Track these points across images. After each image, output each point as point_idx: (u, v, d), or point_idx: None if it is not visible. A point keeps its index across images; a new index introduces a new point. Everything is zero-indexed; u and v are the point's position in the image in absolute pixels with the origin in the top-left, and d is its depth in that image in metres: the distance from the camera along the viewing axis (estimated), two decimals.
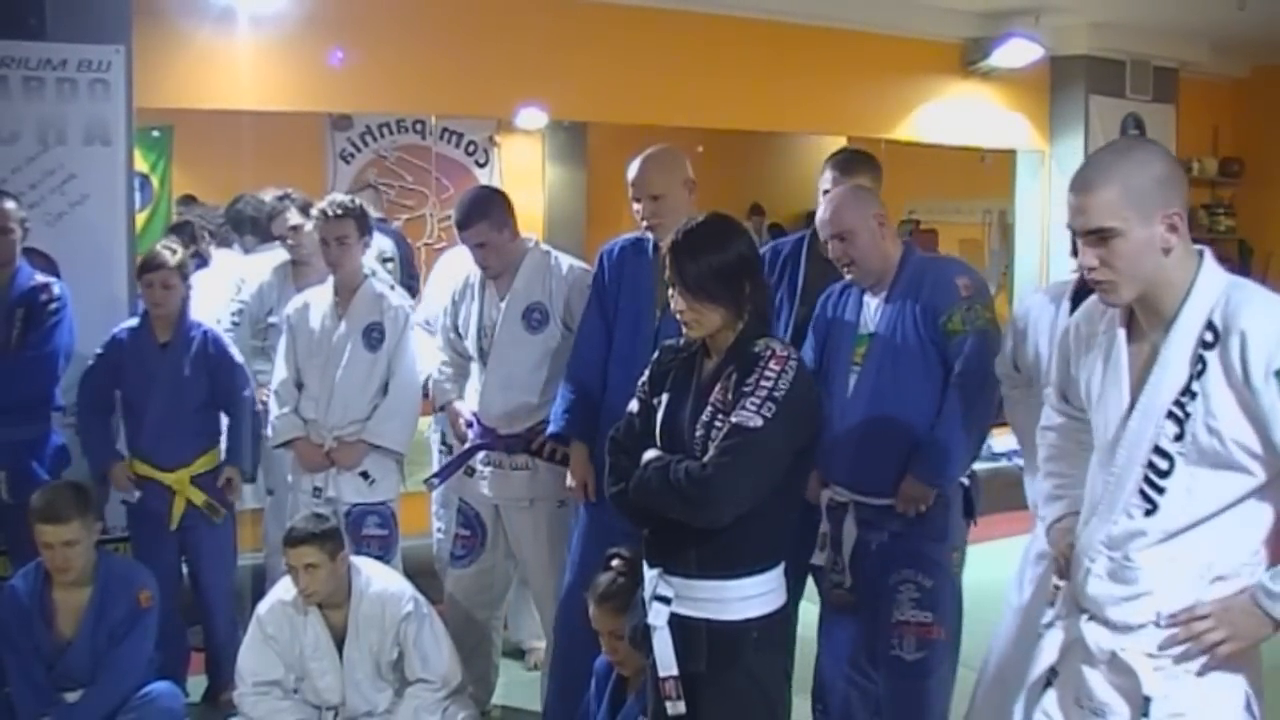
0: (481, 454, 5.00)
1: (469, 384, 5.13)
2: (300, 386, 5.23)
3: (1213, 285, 2.60)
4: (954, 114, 8.52)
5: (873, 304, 4.22)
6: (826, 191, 4.52)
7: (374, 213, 8.69)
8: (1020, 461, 4.31)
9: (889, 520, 4.11)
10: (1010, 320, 4.03)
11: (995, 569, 4.54)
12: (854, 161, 4.73)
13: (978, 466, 4.40)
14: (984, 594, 4.40)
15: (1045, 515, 3.07)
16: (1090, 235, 2.60)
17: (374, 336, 5.16)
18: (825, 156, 4.89)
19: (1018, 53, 8.14)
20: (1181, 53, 9.23)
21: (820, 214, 4.25)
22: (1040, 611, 3.13)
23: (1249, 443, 2.53)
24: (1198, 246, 2.67)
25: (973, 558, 4.36)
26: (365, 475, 5.16)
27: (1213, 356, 2.54)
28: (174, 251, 5.18)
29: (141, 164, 7.53)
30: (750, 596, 3.21)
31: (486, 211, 4.85)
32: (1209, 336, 2.55)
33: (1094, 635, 2.74)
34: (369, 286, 5.26)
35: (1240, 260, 10.28)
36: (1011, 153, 8.91)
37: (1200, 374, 2.55)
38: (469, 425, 5.04)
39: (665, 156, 4.59)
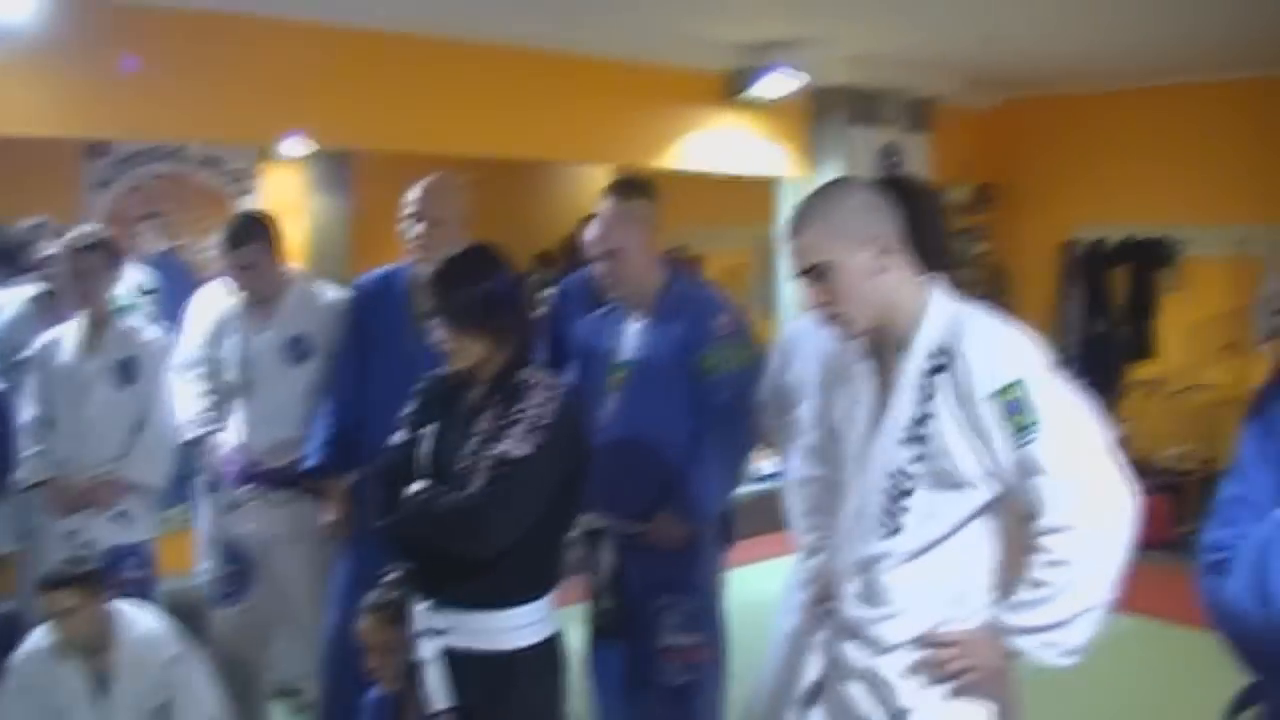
0: (246, 489, 4.88)
1: (231, 418, 5.01)
2: (51, 424, 5.03)
3: (942, 312, 2.72)
4: (719, 143, 8.65)
5: (632, 330, 4.26)
6: None
7: (158, 245, 8.49)
8: (783, 481, 4.39)
9: (647, 546, 4.14)
10: (776, 345, 4.11)
11: (760, 589, 4.62)
12: (629, 187, 4.77)
13: (741, 489, 4.47)
14: (750, 615, 4.47)
15: (810, 567, 3.10)
16: (808, 274, 2.70)
17: (127, 372, 5.00)
18: (589, 185, 4.93)
19: (780, 83, 8.29)
20: (937, 84, 9.54)
21: (589, 232, 4.28)
22: (809, 635, 3.18)
23: (976, 462, 2.64)
24: (928, 275, 2.78)
25: (738, 579, 4.43)
26: (123, 514, 4.99)
27: (941, 381, 2.65)
28: None
29: None
30: (522, 626, 3.21)
31: (258, 233, 4.76)
32: (937, 361, 2.66)
33: (854, 654, 2.81)
34: (121, 320, 5.09)
35: (996, 283, 10.68)
36: (775, 180, 9.08)
37: (931, 398, 2.65)
38: (232, 460, 4.92)
39: (449, 185, 4.56)
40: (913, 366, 2.70)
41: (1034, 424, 2.57)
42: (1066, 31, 7.96)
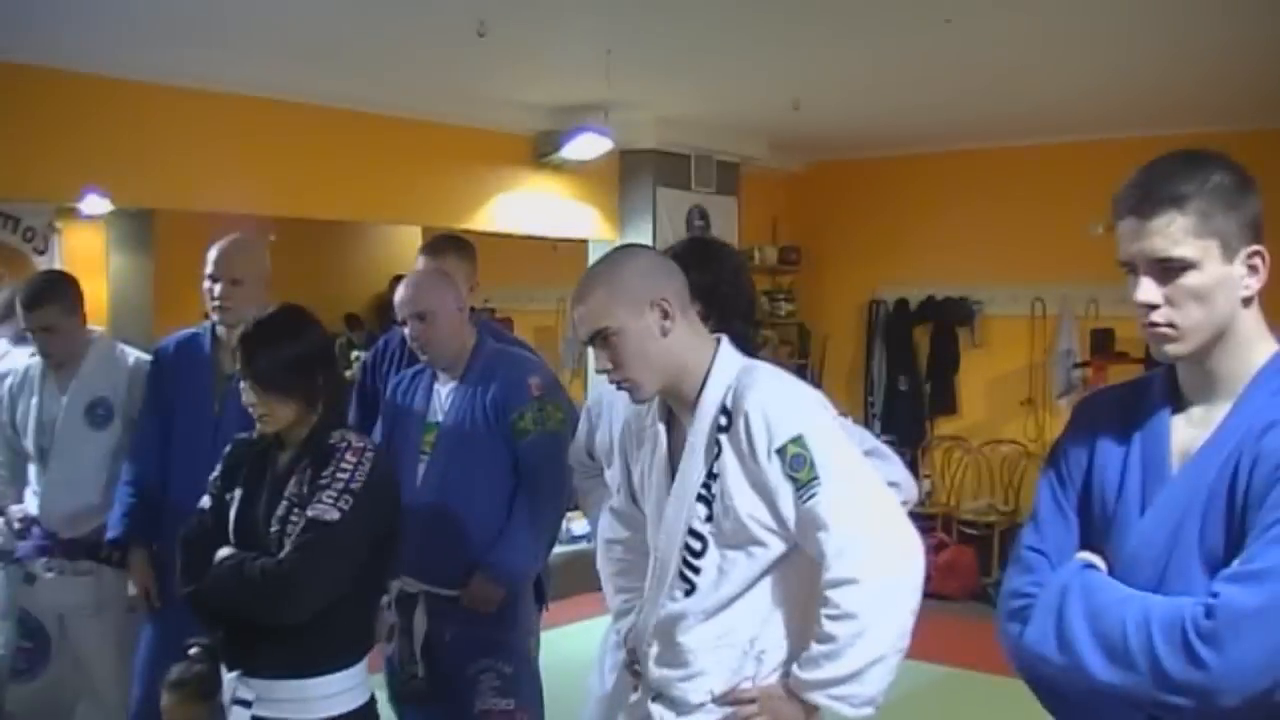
0: (43, 559, 4.71)
1: (27, 486, 4.84)
2: None
3: (728, 371, 2.74)
4: (528, 205, 8.68)
5: (443, 391, 4.24)
6: None
7: None
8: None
9: (460, 610, 4.11)
10: (584, 407, 4.12)
11: (576, 650, 4.61)
12: (442, 245, 4.76)
13: (556, 550, 4.46)
14: (566, 676, 4.45)
15: (620, 628, 3.10)
16: (594, 340, 2.71)
17: None
18: (399, 245, 4.91)
19: (588, 146, 8.35)
20: (743, 148, 9.71)
21: (400, 294, 4.24)
22: (622, 697, 3.18)
23: (763, 518, 2.65)
24: (715, 335, 2.82)
25: (553, 640, 4.41)
26: None
27: (726, 439, 2.67)
28: None
29: None
30: (333, 694, 3.15)
31: (58, 294, 4.63)
32: (723, 420, 2.68)
33: (660, 715, 2.81)
34: None
35: (800, 343, 10.88)
36: (584, 242, 9.12)
37: (718, 456, 2.68)
38: (27, 529, 4.75)
39: (250, 244, 4.50)
40: (701, 426, 2.72)
41: (816, 479, 2.59)
42: (871, 97, 8.20)
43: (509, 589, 4.15)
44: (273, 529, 3.09)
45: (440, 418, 4.22)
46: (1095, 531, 2.22)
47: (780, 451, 2.61)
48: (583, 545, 7.39)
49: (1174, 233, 2.02)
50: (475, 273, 4.82)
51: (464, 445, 4.17)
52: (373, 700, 3.27)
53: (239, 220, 6.99)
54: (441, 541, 4.10)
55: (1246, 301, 2.08)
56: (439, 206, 8.19)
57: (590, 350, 2.77)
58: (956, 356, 10.34)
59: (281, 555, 3.03)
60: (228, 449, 3.38)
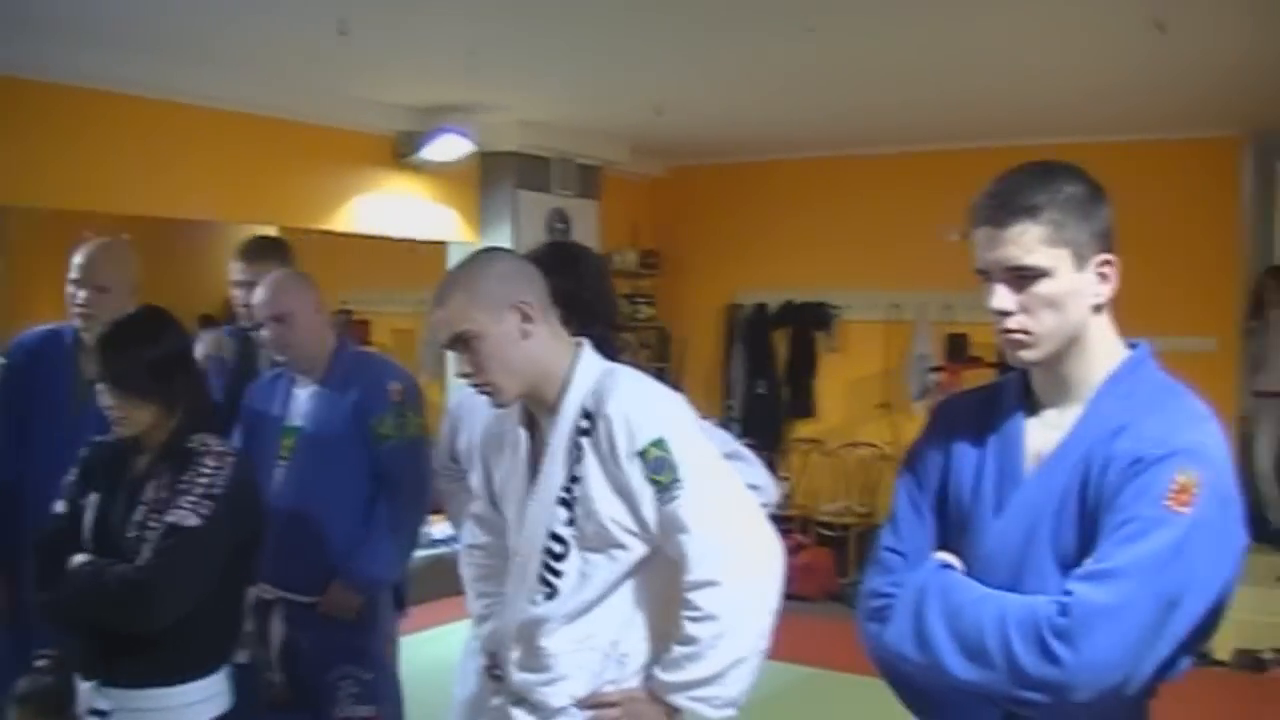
0: None
1: None
2: None
3: (589, 374, 2.75)
4: (387, 206, 8.60)
5: (302, 395, 4.20)
6: (238, 282, 4.49)
7: None
8: (459, 546, 4.39)
9: (319, 617, 4.08)
10: (446, 411, 4.11)
11: (436, 656, 4.59)
12: (261, 250, 4.68)
13: (417, 554, 4.44)
14: (427, 682, 4.43)
15: (481, 634, 3.10)
16: (454, 344, 2.70)
17: None
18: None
19: (448, 147, 8.31)
20: (604, 152, 9.72)
21: (258, 296, 4.18)
22: (484, 702, 3.18)
23: (625, 521, 2.67)
24: (576, 339, 2.83)
25: (413, 645, 4.39)
26: None
27: (587, 442, 2.69)
28: None
29: None
30: (194, 702, 3.11)
31: None
32: (584, 423, 2.70)
33: (522, 719, 2.81)
34: None
35: (660, 347, 10.92)
36: (443, 244, 9.07)
37: (579, 460, 2.69)
38: None
39: (119, 250, 4.39)
40: (562, 430, 2.73)
41: (677, 482, 2.61)
42: (733, 103, 8.26)
43: (367, 595, 4.13)
44: (130, 535, 3.03)
45: (299, 422, 4.18)
46: (952, 532, 2.27)
47: (642, 454, 2.62)
48: (443, 549, 7.35)
49: (1028, 242, 2.08)
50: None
51: (323, 450, 4.13)
52: (235, 707, 3.23)
53: (92, 218, 6.85)
54: (299, 548, 4.06)
55: (1097, 309, 2.14)
56: (297, 206, 8.09)
57: (450, 354, 2.76)
58: (814, 360, 10.47)
59: (140, 562, 2.97)
60: (83, 452, 3.31)
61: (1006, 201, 2.09)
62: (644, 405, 2.69)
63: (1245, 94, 7.64)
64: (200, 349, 4.63)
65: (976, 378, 7.56)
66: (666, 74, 7.34)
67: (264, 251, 4.64)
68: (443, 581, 5.08)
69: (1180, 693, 2.20)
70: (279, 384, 4.29)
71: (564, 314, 2.86)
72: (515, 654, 2.82)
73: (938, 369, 9.46)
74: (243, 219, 8.45)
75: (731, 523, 2.65)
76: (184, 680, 3.08)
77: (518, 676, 2.81)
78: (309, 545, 4.08)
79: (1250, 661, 7.73)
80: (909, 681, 2.21)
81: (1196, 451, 2.02)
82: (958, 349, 9.25)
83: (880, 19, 6.01)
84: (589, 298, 3.33)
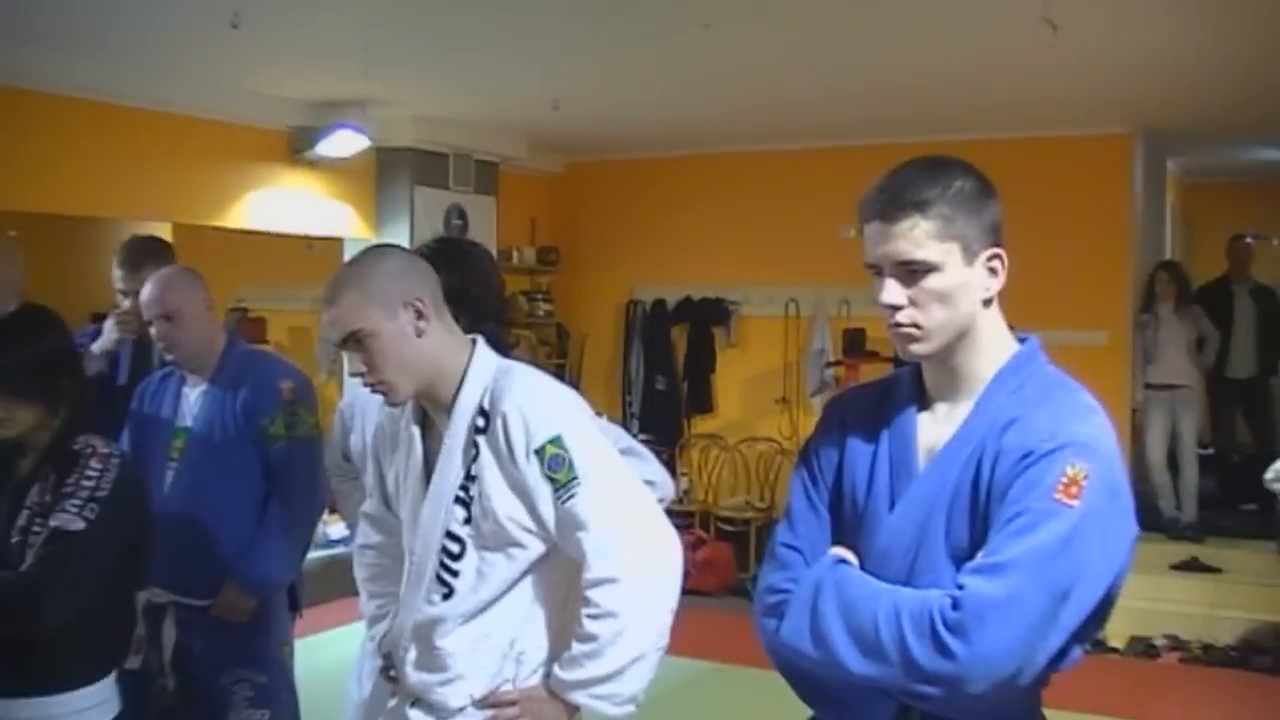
0: None
1: None
2: None
3: (485, 372, 2.74)
4: (283, 202, 8.51)
5: (192, 395, 4.13)
6: (121, 291, 4.42)
7: None
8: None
9: (211, 620, 4.01)
10: (338, 410, 4.06)
11: (332, 657, 4.54)
12: (140, 257, 4.57)
13: (312, 555, 4.39)
14: (322, 684, 4.38)
15: (374, 635, 3.08)
16: (347, 342, 2.68)
17: None
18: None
19: (344, 143, 8.23)
20: (502, 147, 9.70)
21: (145, 293, 4.10)
22: (380, 703, 3.15)
23: (522, 519, 2.66)
24: (471, 336, 2.81)
25: (309, 647, 4.34)
26: None
27: (484, 441, 2.67)
28: None
29: None
30: (80, 710, 3.03)
31: None
32: (480, 422, 2.68)
33: None
34: None
35: (558, 343, 10.91)
36: (339, 241, 8.99)
37: (475, 458, 2.68)
38: None
39: (6, 249, 4.30)
40: (458, 428, 2.71)
41: (575, 480, 2.61)
42: (632, 98, 8.27)
43: (261, 598, 4.07)
44: (13, 539, 2.96)
45: (189, 422, 4.11)
46: (847, 527, 2.27)
47: (539, 452, 2.62)
48: (339, 550, 7.30)
49: (917, 236, 2.09)
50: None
51: (213, 451, 4.06)
52: (124, 714, 3.16)
53: None
54: (190, 550, 3.99)
55: (987, 303, 2.16)
56: (191, 203, 7.98)
57: (344, 352, 2.74)
58: (713, 356, 10.52)
59: (23, 567, 2.91)
60: None
61: (896, 197, 2.10)
62: (540, 403, 2.68)
63: (1136, 92, 7.78)
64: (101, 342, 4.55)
65: (874, 372, 7.63)
66: (564, 69, 7.33)
67: (143, 258, 4.53)
68: (339, 582, 5.03)
69: (1074, 681, 2.22)
70: (169, 384, 4.21)
71: (453, 310, 2.83)
72: (412, 654, 2.79)
73: (835, 364, 9.53)
74: (135, 215, 8.30)
75: (630, 520, 2.65)
76: (69, 688, 3.01)
77: (414, 677, 2.79)
78: (200, 548, 4.01)
79: (1143, 648, 7.89)
80: (806, 676, 2.21)
81: (1085, 445, 2.04)
82: (855, 344, 9.32)
83: (777, 17, 6.04)
84: (478, 294, 3.30)
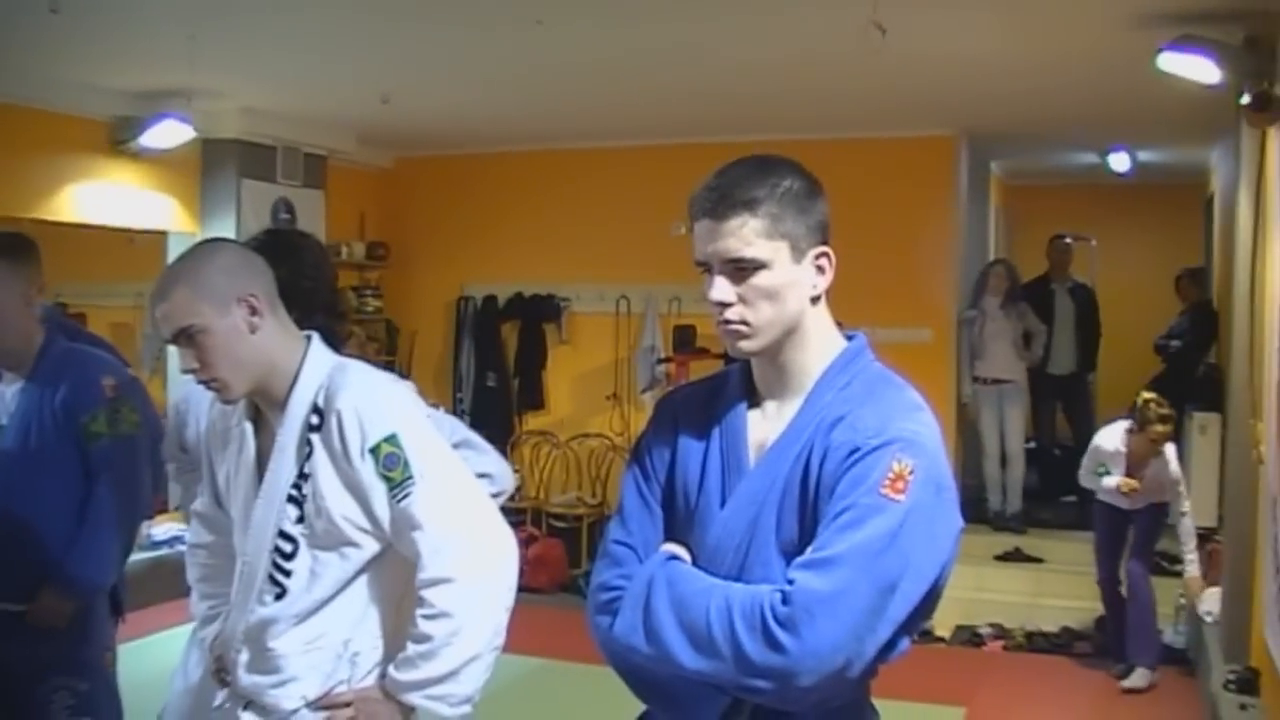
0: None
1: None
2: None
3: (319, 369, 2.71)
4: (104, 194, 8.29)
5: (8, 393, 4.00)
6: None
7: None
8: (183, 548, 4.26)
9: (27, 627, 3.88)
10: (172, 404, 3.97)
11: (158, 662, 4.44)
12: None
13: (136, 557, 4.28)
14: (147, 689, 4.28)
15: (205, 636, 3.02)
16: (178, 339, 2.63)
17: None
18: None
19: (168, 134, 8.05)
20: (331, 141, 9.59)
21: None
22: (211, 692, 3.08)
23: (356, 518, 2.65)
24: (306, 333, 2.78)
25: (133, 652, 4.24)
26: None
27: (318, 439, 2.65)
28: None
29: None
30: None
31: None
32: (314, 419, 2.66)
33: None
34: None
35: (388, 340, 10.81)
36: (163, 234, 8.80)
37: (309, 456, 2.65)
38: None
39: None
40: (291, 426, 2.68)
41: (410, 479, 2.60)
42: (462, 94, 8.23)
43: (81, 601, 3.95)
44: None
45: (4, 421, 3.98)
46: (679, 524, 2.29)
47: (374, 451, 2.60)
48: (165, 551, 7.14)
49: (746, 234, 2.11)
50: (37, 275, 4.44)
51: (29, 451, 3.93)
52: None
53: None
54: (5, 553, 3.86)
55: (815, 300, 2.19)
56: (6, 195, 7.71)
57: (173, 349, 2.68)
58: (544, 353, 10.53)
59: None
60: None
61: (726, 195, 2.12)
62: (376, 401, 2.66)
63: (960, 95, 7.96)
64: None
65: (704, 368, 7.70)
66: (393, 63, 7.27)
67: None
68: (164, 585, 4.93)
69: (902, 671, 2.26)
70: None
71: (283, 304, 2.79)
72: (244, 656, 2.75)
73: (666, 360, 9.60)
74: None
75: (465, 519, 2.64)
76: None
77: (246, 679, 2.74)
78: (16, 550, 3.88)
79: (969, 636, 8.09)
80: (639, 672, 2.21)
81: (911, 441, 2.07)
82: (685, 340, 9.40)
83: (608, 14, 6.06)
84: (308, 287, 3.26)
